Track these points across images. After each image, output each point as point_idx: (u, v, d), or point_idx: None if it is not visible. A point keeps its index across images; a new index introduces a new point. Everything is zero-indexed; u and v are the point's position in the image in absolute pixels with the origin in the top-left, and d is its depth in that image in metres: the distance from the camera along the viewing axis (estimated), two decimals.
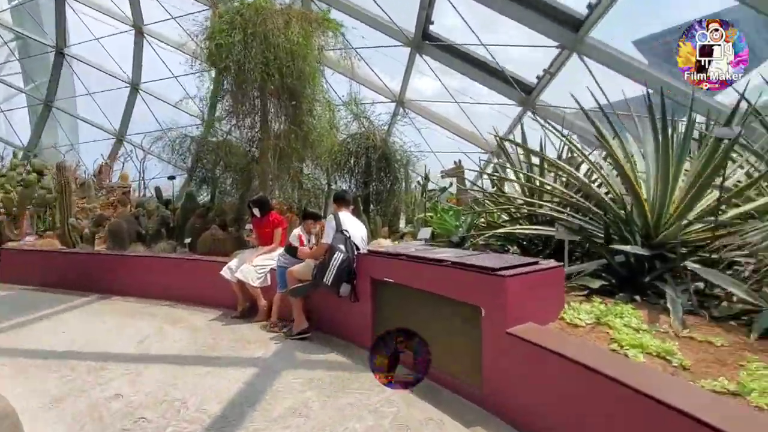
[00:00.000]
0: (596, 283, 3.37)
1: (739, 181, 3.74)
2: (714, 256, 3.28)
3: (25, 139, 17.91)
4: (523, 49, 10.90)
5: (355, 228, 4.04)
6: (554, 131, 5.29)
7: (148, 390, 3.03)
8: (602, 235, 3.72)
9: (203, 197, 7.62)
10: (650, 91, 4.07)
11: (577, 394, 2.14)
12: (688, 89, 7.37)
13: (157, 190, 8.84)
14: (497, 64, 9.76)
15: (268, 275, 4.75)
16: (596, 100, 4.12)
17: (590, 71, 8.41)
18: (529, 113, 9.90)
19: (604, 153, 4.69)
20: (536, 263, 2.95)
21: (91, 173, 11.70)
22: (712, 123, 4.87)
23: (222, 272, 4.81)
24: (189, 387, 3.07)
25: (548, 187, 4.74)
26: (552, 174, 5.08)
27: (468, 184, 7.69)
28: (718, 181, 3.31)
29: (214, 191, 7.24)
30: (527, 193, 5.14)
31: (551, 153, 5.23)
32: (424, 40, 10.17)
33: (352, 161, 7.63)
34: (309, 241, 4.51)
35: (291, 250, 4.37)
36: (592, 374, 2.03)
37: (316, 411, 2.71)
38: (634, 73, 8.07)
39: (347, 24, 6.81)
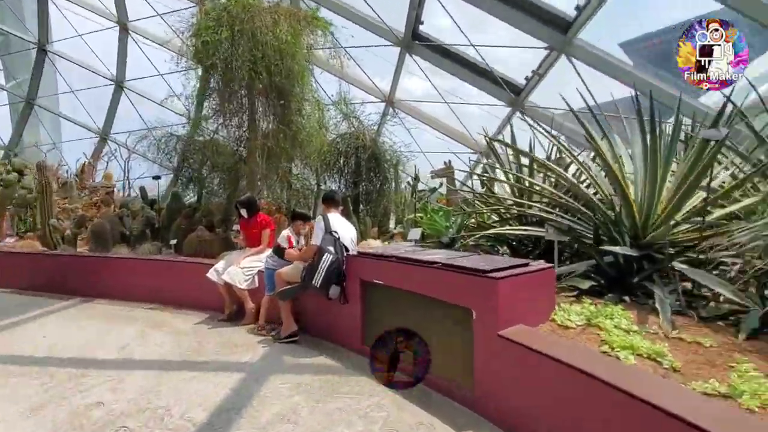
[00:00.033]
0: (586, 284, 3.38)
1: (724, 182, 3.79)
2: (701, 256, 3.31)
3: (5, 137, 17.51)
4: (512, 50, 10.94)
5: (345, 229, 3.99)
6: (543, 132, 5.31)
7: (131, 397, 2.94)
8: (591, 236, 3.73)
9: (190, 197, 7.50)
10: (635, 93, 4.08)
11: (570, 397, 2.12)
12: (673, 91, 7.51)
13: (142, 190, 8.69)
14: (486, 65, 9.78)
15: (256, 277, 4.67)
16: (585, 102, 4.14)
17: (578, 73, 8.48)
18: (518, 114, 9.95)
19: (593, 154, 4.73)
20: (527, 265, 2.94)
21: (74, 173, 11.44)
22: (698, 125, 4.94)
23: (208, 274, 4.71)
24: (173, 394, 2.99)
25: (537, 188, 4.75)
26: (541, 175, 5.10)
27: (458, 184, 7.69)
28: (705, 182, 3.34)
29: (200, 191, 7.13)
30: (517, 194, 5.15)
31: (540, 154, 5.26)
32: (414, 40, 10.15)
33: (341, 161, 7.59)
34: (298, 242, 4.45)
35: (279, 252, 4.31)
36: (584, 377, 2.01)
37: (304, 417, 2.65)
38: (620, 75, 8.16)
39: (336, 23, 6.77)
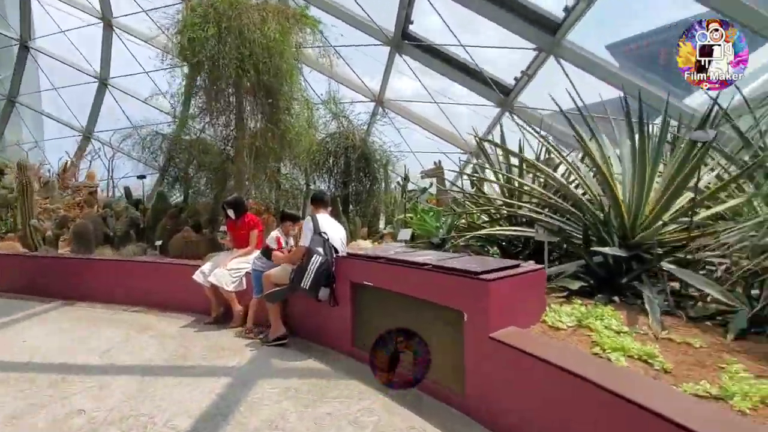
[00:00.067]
0: (576, 285, 3.38)
1: (709, 183, 3.82)
2: (689, 256, 3.33)
3: None
4: (501, 50, 11.00)
5: (334, 230, 3.94)
6: (532, 132, 5.32)
7: (113, 404, 2.85)
8: (580, 236, 3.74)
9: (176, 197, 7.37)
10: (623, 95, 4.11)
11: (562, 399, 2.10)
12: (660, 92, 7.61)
13: (127, 189, 8.52)
14: (476, 66, 9.80)
15: (244, 279, 4.59)
16: (575, 102, 4.15)
17: (566, 74, 8.54)
18: (508, 114, 9.99)
19: (581, 155, 4.75)
20: (518, 266, 2.92)
21: (56, 172, 11.17)
22: (683, 126, 4.99)
23: (194, 276, 4.61)
24: (157, 400, 2.90)
25: (527, 188, 4.76)
26: (531, 175, 5.11)
27: (448, 184, 7.68)
28: (692, 182, 3.37)
29: (187, 191, 7.01)
30: (507, 194, 5.15)
31: (530, 154, 5.27)
32: (404, 40, 10.13)
33: (331, 161, 7.54)
34: (287, 243, 4.38)
35: (268, 253, 4.24)
36: (577, 380, 2.00)
37: (293, 423, 2.60)
38: (608, 77, 8.24)
39: (326, 21, 6.70)
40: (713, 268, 3.41)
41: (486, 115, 10.59)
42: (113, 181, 10.51)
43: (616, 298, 3.21)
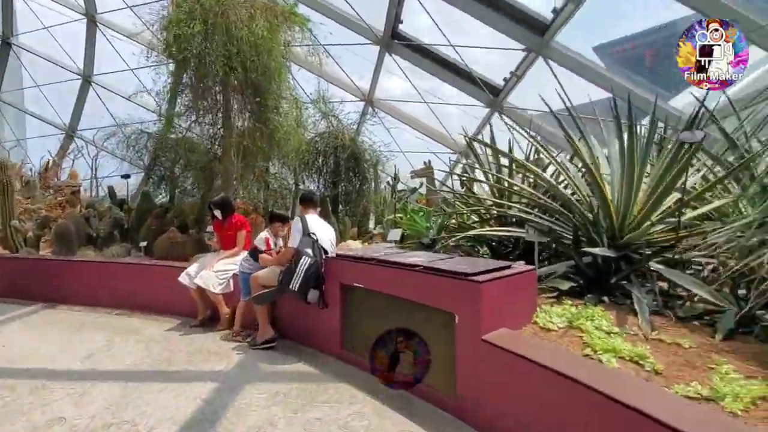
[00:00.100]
0: (566, 285, 3.38)
1: (695, 184, 3.86)
2: (677, 256, 3.35)
3: None
4: (491, 52, 11.02)
5: (323, 231, 3.88)
6: (521, 132, 5.32)
7: (95, 411, 2.76)
8: (570, 237, 3.74)
9: (161, 197, 7.23)
10: (612, 96, 4.13)
11: (555, 402, 2.09)
12: (646, 94, 7.70)
13: (111, 189, 8.36)
14: (466, 66, 9.81)
15: (231, 281, 4.50)
16: (564, 103, 4.16)
17: (555, 75, 8.59)
18: (497, 114, 10.02)
19: (570, 155, 4.77)
20: (509, 267, 2.91)
21: (38, 171, 10.90)
22: (670, 128, 5.05)
23: (180, 278, 4.51)
24: (141, 407, 2.82)
25: (517, 188, 4.76)
26: (520, 175, 5.11)
27: (437, 184, 7.68)
28: (679, 183, 3.39)
29: (173, 191, 6.88)
30: (496, 194, 5.15)
31: (519, 155, 5.27)
32: (394, 39, 10.09)
33: (320, 161, 7.48)
34: (276, 244, 4.31)
35: (255, 255, 4.17)
36: (569, 383, 1.98)
37: (282, 428, 2.54)
38: (595, 78, 8.31)
39: (315, 19, 6.64)
40: (700, 268, 3.44)
41: (476, 116, 10.63)
42: (97, 181, 10.32)
43: (605, 299, 3.21)
